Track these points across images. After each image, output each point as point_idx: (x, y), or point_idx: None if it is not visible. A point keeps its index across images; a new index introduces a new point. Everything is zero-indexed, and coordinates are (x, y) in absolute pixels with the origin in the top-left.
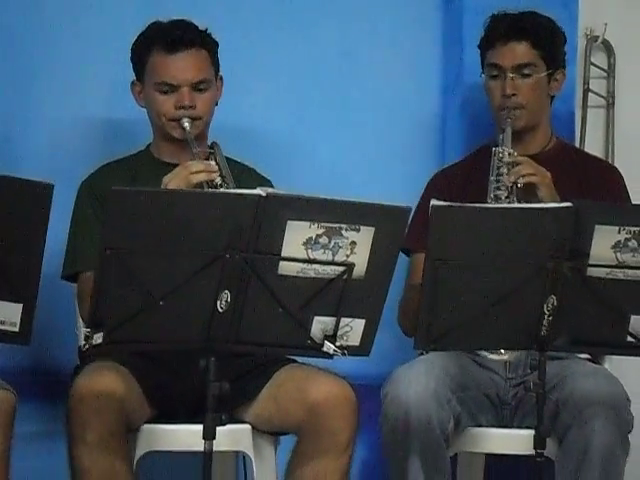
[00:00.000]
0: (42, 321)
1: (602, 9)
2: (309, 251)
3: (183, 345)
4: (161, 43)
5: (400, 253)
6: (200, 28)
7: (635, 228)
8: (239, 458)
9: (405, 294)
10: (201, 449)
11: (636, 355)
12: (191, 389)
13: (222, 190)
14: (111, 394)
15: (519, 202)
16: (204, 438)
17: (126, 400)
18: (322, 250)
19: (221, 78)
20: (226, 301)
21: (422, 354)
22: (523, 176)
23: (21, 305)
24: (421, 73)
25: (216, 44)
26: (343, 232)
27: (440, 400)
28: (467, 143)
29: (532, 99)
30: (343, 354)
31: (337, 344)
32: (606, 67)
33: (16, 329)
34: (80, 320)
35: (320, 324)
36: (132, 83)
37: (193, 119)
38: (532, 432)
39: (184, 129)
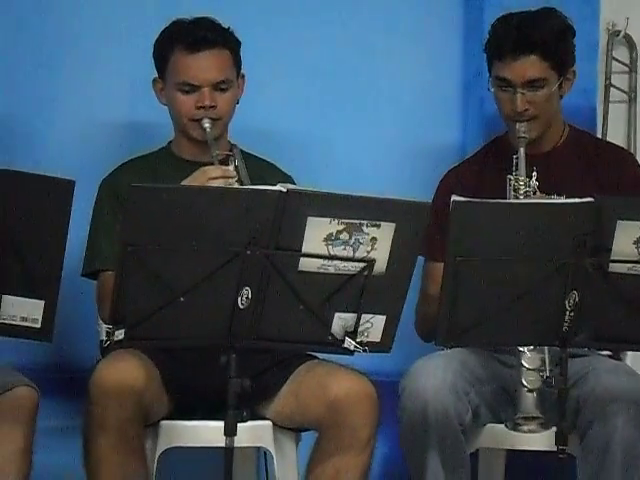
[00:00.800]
0: (63, 318)
1: (624, 3)
2: (330, 247)
3: (204, 342)
4: (183, 42)
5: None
6: (223, 27)
7: None
8: (260, 454)
9: (421, 304)
10: (222, 445)
11: None
12: (212, 385)
13: (243, 187)
14: (131, 383)
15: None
16: (225, 434)
17: (146, 390)
18: (343, 246)
19: (243, 76)
20: (247, 297)
21: (442, 350)
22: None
23: (43, 302)
24: (441, 69)
25: (239, 43)
26: (364, 228)
27: (458, 392)
28: (487, 136)
29: (544, 109)
30: (364, 350)
31: (358, 340)
32: (628, 62)
33: (38, 326)
34: None
35: (341, 320)
36: (154, 80)
37: (214, 119)
38: (554, 429)
39: (204, 130)
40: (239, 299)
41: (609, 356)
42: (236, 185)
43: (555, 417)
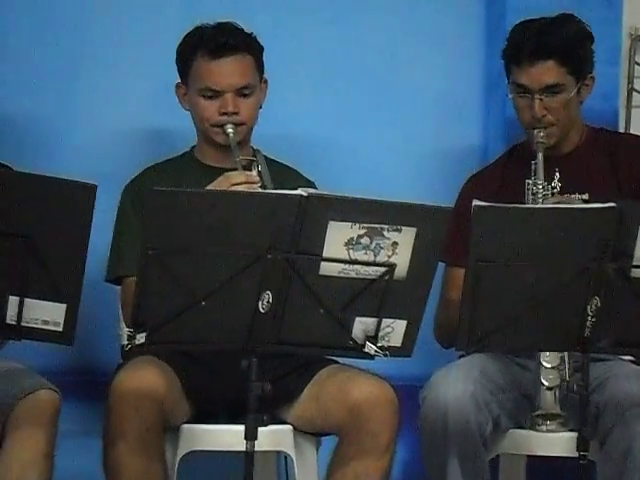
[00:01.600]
0: (85, 322)
1: None
2: (350, 252)
3: (225, 345)
4: (206, 48)
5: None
6: (245, 32)
7: None
8: (280, 458)
9: (441, 309)
10: (243, 449)
11: None
12: (232, 389)
13: (264, 191)
14: (152, 391)
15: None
16: (246, 438)
17: (166, 397)
18: (364, 251)
19: (266, 81)
20: (268, 301)
21: (463, 355)
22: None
23: (65, 305)
24: (463, 72)
25: (261, 48)
26: (385, 233)
27: (478, 403)
28: (510, 142)
29: (563, 115)
30: (385, 355)
31: (378, 345)
32: None
33: (60, 329)
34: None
35: (362, 325)
36: (177, 85)
37: (237, 125)
38: (575, 434)
39: (227, 135)
40: (260, 303)
41: (631, 361)
42: (259, 191)
43: (576, 422)
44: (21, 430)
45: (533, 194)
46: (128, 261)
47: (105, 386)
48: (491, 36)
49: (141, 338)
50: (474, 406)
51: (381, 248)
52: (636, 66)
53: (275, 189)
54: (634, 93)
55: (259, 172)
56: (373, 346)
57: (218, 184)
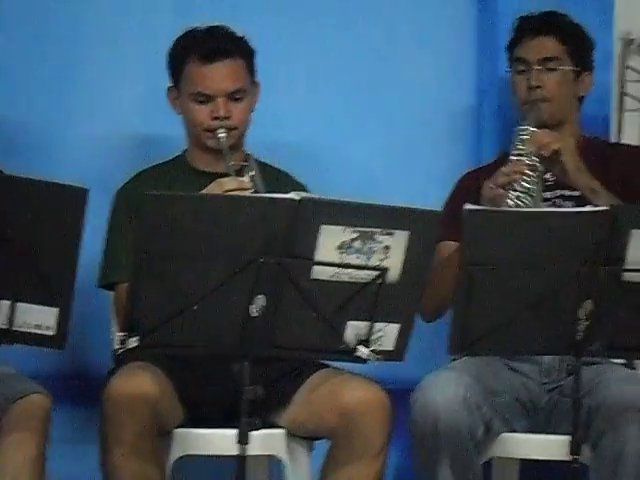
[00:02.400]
0: (77, 326)
1: (638, 12)
2: (343, 255)
3: (217, 349)
4: (197, 52)
5: None
6: (237, 36)
7: None
8: (273, 462)
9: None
10: (235, 453)
11: None
12: (225, 393)
13: (256, 195)
14: (145, 396)
15: (543, 172)
16: (238, 442)
17: (159, 402)
18: (356, 254)
19: (257, 85)
20: (260, 305)
21: (455, 359)
22: (546, 145)
23: (57, 309)
24: (456, 75)
25: (253, 52)
26: (377, 236)
27: (470, 407)
28: (502, 143)
29: (557, 93)
30: (377, 359)
31: (371, 349)
32: None
33: (52, 333)
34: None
35: (354, 329)
36: (168, 89)
37: (229, 129)
38: (567, 438)
39: (219, 140)
40: (252, 307)
41: (623, 365)
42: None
43: (568, 426)
44: (12, 434)
45: (521, 137)
46: (120, 267)
47: (97, 391)
48: (483, 41)
49: (133, 342)
50: (465, 409)
51: (373, 252)
52: (628, 70)
53: (267, 193)
54: (626, 97)
55: (251, 177)
56: (365, 350)
57: (211, 190)
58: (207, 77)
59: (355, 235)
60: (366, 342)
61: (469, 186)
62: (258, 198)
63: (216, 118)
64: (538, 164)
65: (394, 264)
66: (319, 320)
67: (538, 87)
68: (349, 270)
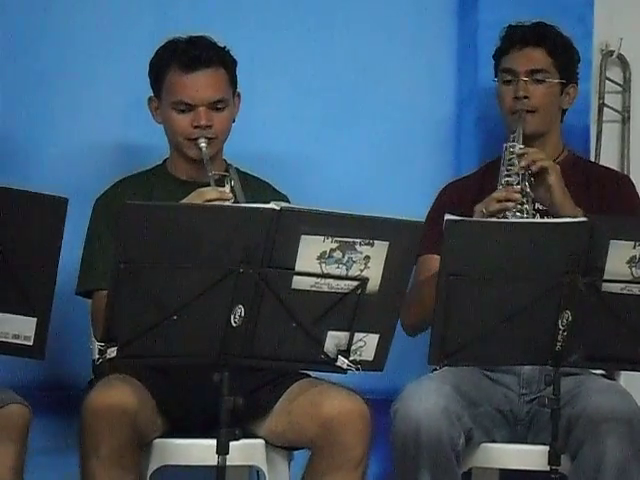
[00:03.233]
0: (56, 336)
1: (617, 24)
2: (323, 265)
3: (197, 359)
4: (179, 61)
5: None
6: (219, 46)
7: None
8: (252, 473)
9: (410, 291)
10: (214, 464)
11: None
12: (205, 403)
13: (236, 204)
14: (124, 408)
15: (530, 188)
16: (217, 453)
17: (139, 414)
18: (336, 264)
19: (239, 95)
20: (240, 315)
21: (435, 369)
22: (535, 161)
23: (35, 319)
24: (436, 86)
25: (235, 62)
26: (357, 247)
27: (450, 417)
28: (482, 156)
29: (544, 104)
30: (357, 369)
31: (351, 359)
32: (621, 82)
33: (30, 343)
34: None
35: (334, 339)
36: (149, 99)
37: (209, 139)
38: (546, 448)
39: (200, 149)
40: (232, 317)
41: (602, 375)
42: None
43: (548, 436)
44: None
45: (510, 152)
46: (99, 274)
47: (76, 401)
48: (463, 52)
49: (112, 352)
50: (446, 420)
51: (353, 262)
52: (607, 81)
53: (248, 203)
54: (605, 108)
55: (232, 187)
56: (345, 360)
57: (191, 200)
58: (188, 86)
59: (335, 245)
60: (346, 352)
61: (451, 197)
62: (238, 208)
63: (197, 127)
64: (527, 187)
65: (374, 274)
66: (299, 330)
67: (525, 98)
68: (329, 280)
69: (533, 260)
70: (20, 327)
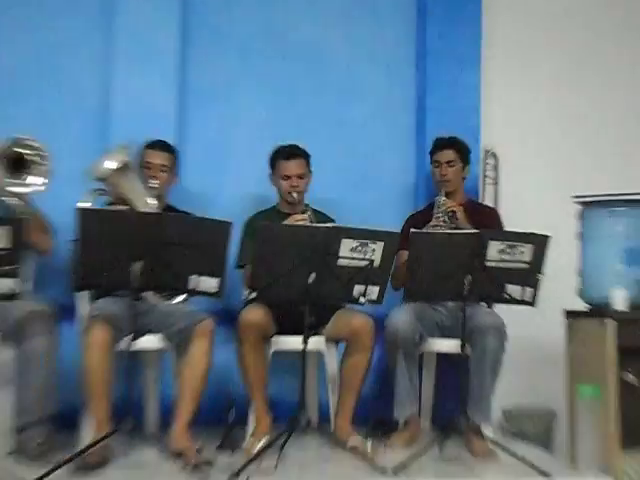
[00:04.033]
0: (227, 288)
1: (493, 135)
2: (352, 253)
3: (294, 298)
4: (282, 156)
5: None
6: (301, 147)
7: (508, 242)
8: (319, 354)
9: (394, 270)
10: (301, 348)
11: (509, 304)
12: (297, 319)
13: (311, 224)
14: (257, 320)
15: (451, 223)
16: (303, 342)
17: (264, 324)
18: (358, 253)
19: (311, 171)
20: (312, 278)
21: (406, 303)
22: (450, 206)
23: (218, 279)
24: (402, 163)
25: (309, 155)
26: (369, 244)
27: (412, 326)
28: (427, 199)
29: (454, 178)
30: (369, 303)
31: (366, 298)
32: (494, 164)
33: (215, 290)
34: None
35: (358, 288)
36: (270, 174)
37: (297, 192)
38: (459, 341)
39: (294, 197)
40: (309, 279)
41: (486, 305)
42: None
43: (459, 335)
44: (196, 343)
45: (438, 206)
46: (246, 257)
47: (236, 317)
48: (419, 146)
49: (253, 295)
50: (411, 328)
51: (367, 252)
52: (486, 164)
53: (316, 223)
54: (486, 178)
55: (309, 215)
56: (363, 299)
57: (289, 222)
58: (288, 167)
59: (357, 243)
60: (363, 295)
61: (414, 220)
62: (312, 226)
63: (292, 187)
64: (447, 218)
65: (377, 258)
66: (342, 285)
67: (444, 175)
68: (355, 260)
69: (453, 251)
70: (211, 284)
